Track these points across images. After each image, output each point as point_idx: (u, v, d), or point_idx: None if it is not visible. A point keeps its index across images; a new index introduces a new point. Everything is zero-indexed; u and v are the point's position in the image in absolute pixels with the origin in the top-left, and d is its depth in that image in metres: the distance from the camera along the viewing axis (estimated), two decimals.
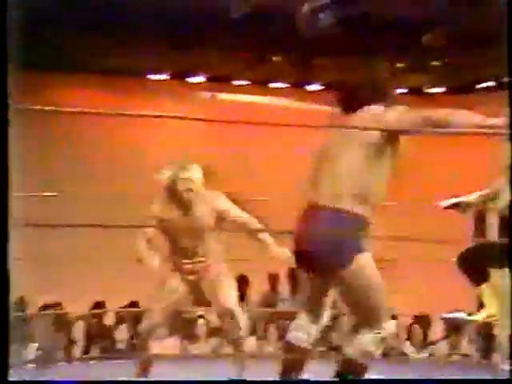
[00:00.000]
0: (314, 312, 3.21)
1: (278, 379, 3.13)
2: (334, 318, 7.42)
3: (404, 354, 7.28)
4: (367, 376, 3.12)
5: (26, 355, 6.63)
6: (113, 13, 7.76)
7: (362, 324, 3.11)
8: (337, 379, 3.09)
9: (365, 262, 3.04)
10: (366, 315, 3.11)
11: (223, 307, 4.68)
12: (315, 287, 3.20)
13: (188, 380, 3.14)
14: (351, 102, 3.18)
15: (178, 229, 4.84)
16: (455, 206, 4.96)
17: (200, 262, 4.80)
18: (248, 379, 2.97)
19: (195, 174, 4.90)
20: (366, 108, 3.13)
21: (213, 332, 7.39)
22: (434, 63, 9.25)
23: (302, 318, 3.20)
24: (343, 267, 3.00)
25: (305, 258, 3.09)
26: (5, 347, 2.02)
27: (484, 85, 9.52)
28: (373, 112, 3.11)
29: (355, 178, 3.02)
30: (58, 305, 7.30)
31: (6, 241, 2.02)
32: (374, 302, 3.07)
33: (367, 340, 3.10)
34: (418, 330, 7.41)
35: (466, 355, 7.10)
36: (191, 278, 4.78)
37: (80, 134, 8.58)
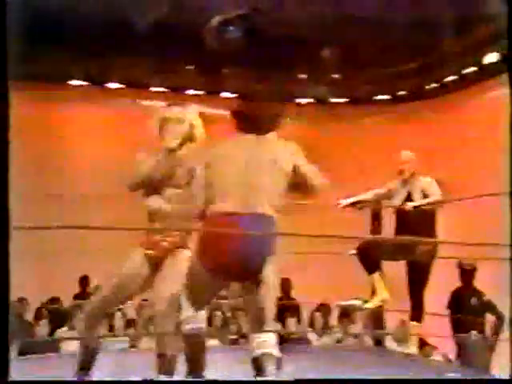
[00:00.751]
0: (200, 307, 3.34)
1: (278, 379, 3.11)
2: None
3: (307, 340, 7.76)
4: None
5: None
6: (31, 18, 8.07)
7: (254, 325, 3.18)
8: (335, 378, 3.32)
9: (272, 266, 3.16)
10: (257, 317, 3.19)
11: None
12: (216, 288, 3.37)
13: (187, 380, 3.26)
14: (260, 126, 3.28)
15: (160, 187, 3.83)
16: (354, 204, 5.63)
17: (170, 236, 3.85)
18: (248, 379, 3.09)
19: (191, 115, 3.91)
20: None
21: (129, 324, 7.73)
22: (335, 76, 10.02)
23: (190, 311, 3.26)
24: (261, 272, 3.14)
25: (226, 265, 3.10)
26: (5, 347, 2.14)
27: (381, 97, 10.34)
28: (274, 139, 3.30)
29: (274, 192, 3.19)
30: None
31: (6, 241, 2.15)
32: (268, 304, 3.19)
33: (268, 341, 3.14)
34: (319, 317, 7.99)
35: (356, 337, 7.73)
36: (153, 253, 3.85)
37: None
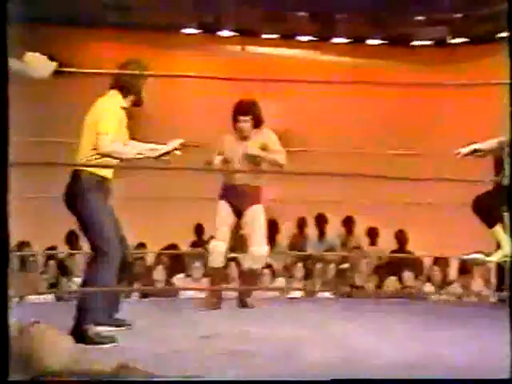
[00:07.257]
0: None
1: (277, 379, 3.23)
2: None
3: (425, 294, 7.54)
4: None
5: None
6: None
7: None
8: (337, 378, 3.12)
9: None
10: None
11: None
12: None
13: (187, 380, 3.16)
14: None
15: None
16: (475, 152, 5.29)
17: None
18: (248, 379, 3.18)
19: None
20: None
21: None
22: (456, 15, 9.49)
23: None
24: None
25: None
26: (5, 348, 2.15)
27: (504, 34, 9.69)
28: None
29: None
30: None
31: (6, 237, 2.16)
32: None
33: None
34: (437, 271, 7.73)
35: (479, 294, 7.42)
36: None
37: None
